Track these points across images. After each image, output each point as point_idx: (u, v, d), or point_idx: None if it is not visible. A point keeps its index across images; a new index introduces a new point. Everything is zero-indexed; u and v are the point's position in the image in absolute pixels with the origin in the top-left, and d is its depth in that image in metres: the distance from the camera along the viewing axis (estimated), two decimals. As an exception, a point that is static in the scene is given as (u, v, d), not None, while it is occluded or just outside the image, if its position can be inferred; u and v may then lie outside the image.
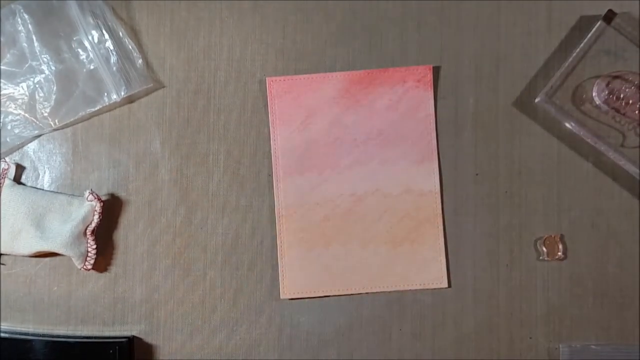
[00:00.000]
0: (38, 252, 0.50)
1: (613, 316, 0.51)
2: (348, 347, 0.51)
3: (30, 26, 0.50)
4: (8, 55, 0.50)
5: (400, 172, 0.51)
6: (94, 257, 0.50)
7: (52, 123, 0.51)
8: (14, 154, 0.52)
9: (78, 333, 0.52)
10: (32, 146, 0.52)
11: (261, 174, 0.52)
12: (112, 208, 0.52)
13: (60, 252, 0.49)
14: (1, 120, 0.51)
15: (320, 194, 0.51)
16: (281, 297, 0.51)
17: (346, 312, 0.51)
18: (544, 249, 0.51)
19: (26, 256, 0.51)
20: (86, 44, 0.51)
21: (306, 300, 0.51)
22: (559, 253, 0.51)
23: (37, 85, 0.50)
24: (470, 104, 0.52)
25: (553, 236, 0.51)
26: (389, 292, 0.51)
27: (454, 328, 0.51)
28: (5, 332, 0.51)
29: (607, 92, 0.50)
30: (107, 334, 0.51)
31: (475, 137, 0.52)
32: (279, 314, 0.52)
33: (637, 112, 0.50)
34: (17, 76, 0.51)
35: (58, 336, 0.51)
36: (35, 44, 0.50)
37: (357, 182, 0.51)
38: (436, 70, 0.52)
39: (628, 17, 0.50)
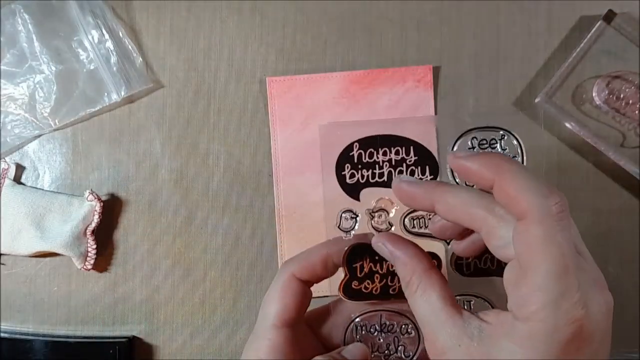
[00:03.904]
0: (38, 252, 0.50)
1: (613, 316, 0.51)
2: (348, 347, 0.51)
3: (30, 26, 0.50)
4: (8, 55, 0.50)
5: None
6: (94, 257, 0.50)
7: (52, 123, 0.51)
8: (14, 154, 0.52)
9: (78, 333, 0.52)
10: (32, 146, 0.52)
11: (262, 174, 0.52)
12: (112, 208, 0.52)
13: (60, 252, 0.49)
14: (1, 120, 0.51)
15: (320, 194, 0.51)
16: (281, 297, 0.51)
17: (346, 312, 0.51)
18: None
19: (26, 256, 0.51)
20: (86, 44, 0.50)
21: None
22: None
23: (37, 85, 0.50)
24: (470, 104, 0.52)
25: None
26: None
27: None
28: (5, 332, 0.51)
29: (607, 92, 0.50)
30: (107, 334, 0.51)
31: (475, 137, 0.52)
32: (279, 314, 0.52)
33: (637, 112, 0.50)
34: (17, 76, 0.50)
35: (58, 336, 0.51)
36: (35, 44, 0.50)
37: (357, 182, 0.51)
38: (436, 70, 0.52)
39: (628, 17, 0.50)
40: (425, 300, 0.29)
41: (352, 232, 0.35)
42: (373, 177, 0.36)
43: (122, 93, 0.50)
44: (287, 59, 0.52)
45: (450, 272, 0.36)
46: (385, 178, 0.36)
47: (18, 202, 0.50)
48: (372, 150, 0.36)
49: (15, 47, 0.50)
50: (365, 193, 0.36)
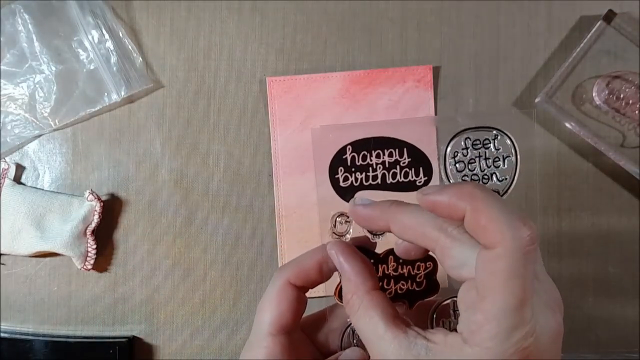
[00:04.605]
0: (38, 252, 0.50)
1: (613, 316, 0.51)
2: (348, 347, 0.51)
3: (30, 26, 0.50)
4: (8, 55, 0.50)
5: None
6: (94, 257, 0.50)
7: (52, 123, 0.51)
8: (14, 154, 0.52)
9: (78, 333, 0.52)
10: (32, 146, 0.52)
11: (262, 174, 0.52)
12: (112, 208, 0.52)
13: (60, 252, 0.49)
14: (1, 120, 0.51)
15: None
16: (281, 297, 0.51)
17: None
18: None
19: (26, 256, 0.51)
20: (86, 44, 0.50)
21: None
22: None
23: (37, 85, 0.50)
24: (470, 104, 0.52)
25: None
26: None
27: (454, 328, 0.51)
28: (5, 332, 0.51)
29: (607, 92, 0.50)
30: (107, 334, 0.51)
31: (475, 137, 0.52)
32: (279, 314, 0.52)
33: (637, 112, 0.50)
34: (17, 76, 0.50)
35: (58, 336, 0.51)
36: (35, 44, 0.50)
37: (357, 182, 0.51)
38: (436, 70, 0.52)
39: (628, 17, 0.50)
40: (367, 320, 0.30)
41: (347, 236, 0.35)
42: (367, 180, 0.35)
43: (122, 93, 0.50)
44: (287, 59, 0.52)
45: (446, 273, 0.36)
46: (379, 181, 0.36)
47: (18, 202, 0.50)
48: (366, 152, 0.35)
49: (15, 47, 0.50)
50: (359, 196, 0.35)
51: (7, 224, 0.49)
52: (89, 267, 0.50)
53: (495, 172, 0.36)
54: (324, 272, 0.34)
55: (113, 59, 0.51)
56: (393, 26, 0.52)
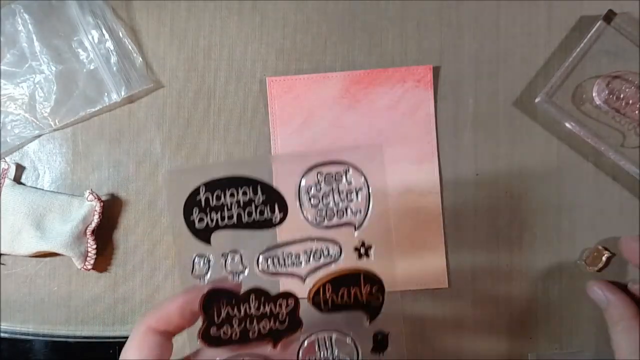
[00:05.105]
0: (38, 252, 0.50)
1: (613, 316, 0.51)
2: (348, 347, 0.51)
3: (30, 26, 0.50)
4: (8, 55, 0.50)
5: (400, 172, 0.51)
6: (94, 257, 0.50)
7: (52, 123, 0.51)
8: (14, 154, 0.52)
9: (78, 333, 0.52)
10: (32, 146, 0.52)
11: (261, 174, 0.52)
12: (112, 208, 0.52)
13: (60, 252, 0.49)
14: (1, 120, 0.51)
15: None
16: (281, 297, 0.51)
17: (346, 312, 0.51)
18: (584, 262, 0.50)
19: (26, 256, 0.51)
20: (86, 44, 0.51)
21: (306, 300, 0.51)
22: (600, 265, 0.50)
23: (37, 85, 0.50)
24: (470, 104, 0.52)
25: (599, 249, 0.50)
26: (389, 292, 0.51)
27: (454, 328, 0.51)
28: (5, 332, 0.51)
29: (607, 92, 0.50)
30: (107, 334, 0.51)
31: (475, 137, 0.52)
32: (279, 314, 0.51)
33: (637, 112, 0.50)
34: (17, 76, 0.50)
35: (58, 336, 0.51)
36: (35, 44, 0.50)
37: (357, 182, 0.51)
38: (436, 70, 0.52)
39: (628, 17, 0.50)
40: (627, 339, 0.41)
41: (207, 277, 0.35)
42: (222, 220, 0.35)
43: (122, 93, 0.50)
44: (287, 59, 0.52)
45: (309, 309, 0.36)
46: (234, 220, 0.35)
47: (18, 202, 0.50)
48: (219, 192, 0.35)
49: (15, 47, 0.50)
50: (216, 236, 0.35)
51: (7, 224, 0.49)
52: (89, 267, 0.50)
53: (349, 205, 0.36)
54: (186, 316, 0.33)
55: (113, 59, 0.51)
56: (393, 26, 0.52)
